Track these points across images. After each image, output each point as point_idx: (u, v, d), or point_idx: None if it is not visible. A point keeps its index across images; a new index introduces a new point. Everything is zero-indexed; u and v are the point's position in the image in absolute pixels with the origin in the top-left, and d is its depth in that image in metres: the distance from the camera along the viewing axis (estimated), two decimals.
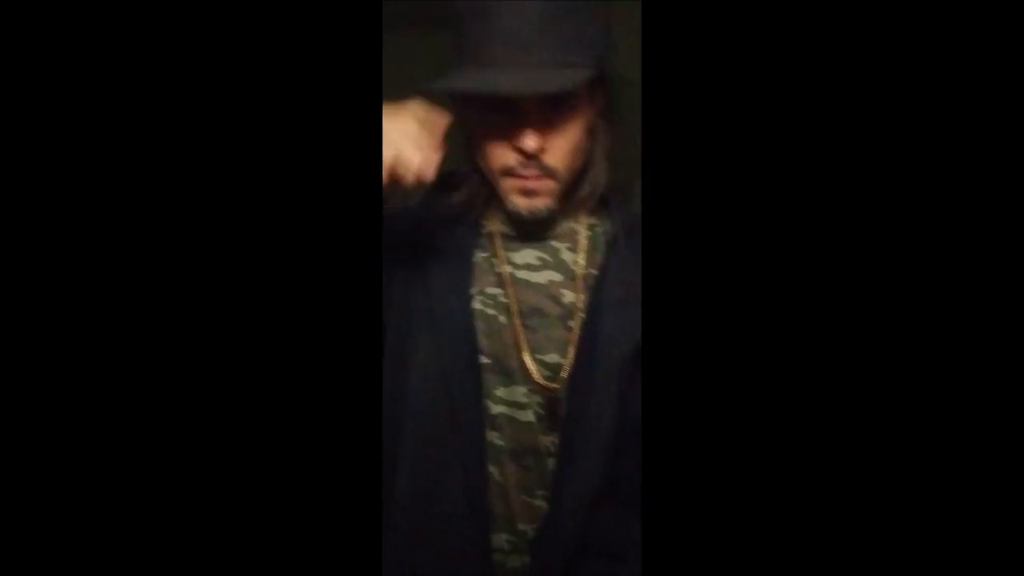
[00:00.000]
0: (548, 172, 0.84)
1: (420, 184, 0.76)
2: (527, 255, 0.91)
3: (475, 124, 0.86)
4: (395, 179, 0.73)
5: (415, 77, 0.85)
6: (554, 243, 0.92)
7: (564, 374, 0.88)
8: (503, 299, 0.89)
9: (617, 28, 1.17)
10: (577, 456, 0.87)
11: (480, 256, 0.91)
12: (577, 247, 0.91)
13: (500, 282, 0.90)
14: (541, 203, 0.85)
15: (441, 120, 0.78)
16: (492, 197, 0.91)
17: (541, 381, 0.87)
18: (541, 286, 0.90)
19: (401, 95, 0.89)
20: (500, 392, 0.89)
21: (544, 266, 0.91)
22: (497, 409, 0.89)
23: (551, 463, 0.88)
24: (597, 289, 0.89)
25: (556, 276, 0.90)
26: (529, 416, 0.89)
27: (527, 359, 0.88)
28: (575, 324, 0.88)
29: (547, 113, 0.82)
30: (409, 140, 0.73)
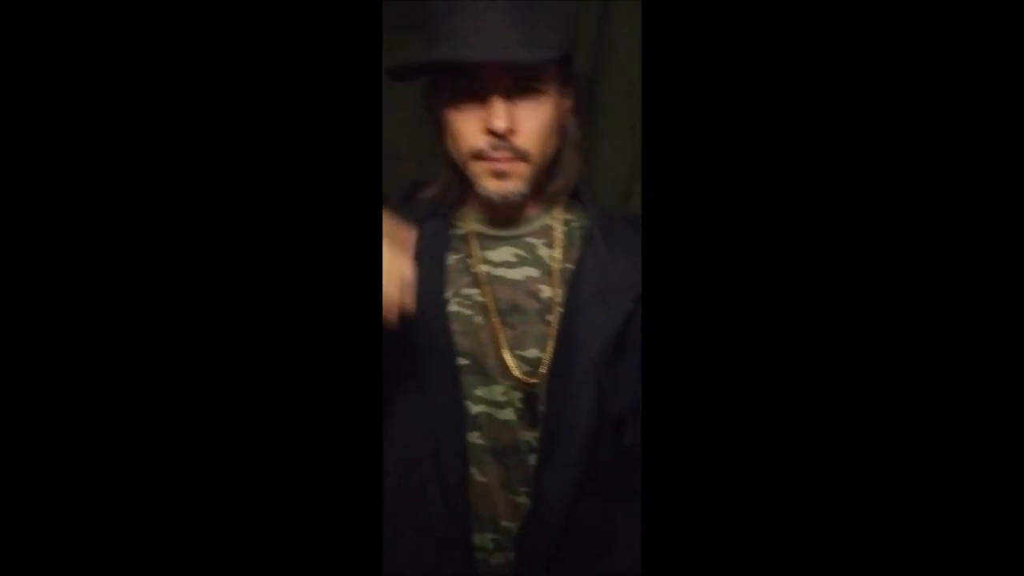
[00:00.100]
0: (519, 154, 0.84)
1: (406, 316, 0.77)
2: (504, 252, 0.91)
3: (445, 109, 0.86)
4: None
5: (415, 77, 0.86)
6: (530, 239, 0.92)
7: (543, 369, 0.88)
8: (480, 298, 0.89)
9: (617, 28, 1.18)
10: (557, 450, 0.87)
11: (454, 258, 0.91)
12: (553, 242, 0.92)
13: (476, 281, 0.90)
14: (512, 186, 0.85)
15: (408, 234, 0.80)
16: (465, 193, 0.92)
17: (521, 377, 0.88)
18: (518, 282, 0.90)
19: (401, 94, 0.89)
20: (480, 392, 0.89)
21: (521, 262, 0.91)
22: (477, 409, 0.89)
23: (532, 459, 0.89)
24: (574, 283, 0.90)
25: (533, 272, 0.91)
26: (509, 414, 0.89)
27: (506, 355, 0.88)
28: (553, 319, 0.89)
29: (515, 96, 0.83)
30: (386, 276, 0.74)
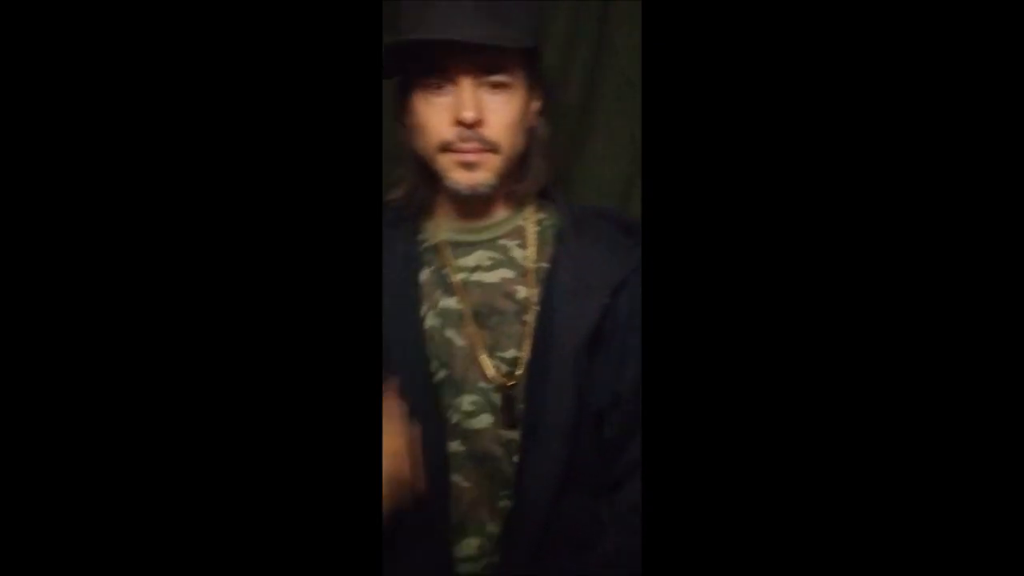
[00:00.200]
0: (488, 145, 0.85)
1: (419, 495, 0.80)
2: (478, 257, 0.92)
3: (414, 105, 0.87)
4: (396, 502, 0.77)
5: None
6: (503, 241, 0.92)
7: (520, 370, 0.89)
8: (457, 306, 0.90)
9: (617, 28, 1.17)
10: (538, 447, 0.88)
11: (428, 272, 0.91)
12: (526, 242, 0.92)
13: (452, 290, 0.91)
14: (482, 176, 0.86)
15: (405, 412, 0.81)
16: (431, 195, 0.92)
17: (498, 379, 0.88)
18: (495, 285, 0.91)
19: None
20: (458, 400, 0.89)
21: (496, 265, 0.91)
22: (457, 418, 0.89)
23: (514, 460, 0.88)
24: (548, 282, 0.90)
25: (509, 273, 0.91)
26: (488, 419, 0.89)
27: (484, 359, 0.89)
28: (530, 318, 0.89)
29: (484, 89, 0.84)
30: (390, 458, 0.76)
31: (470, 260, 0.91)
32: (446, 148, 0.85)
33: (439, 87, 0.84)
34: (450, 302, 0.90)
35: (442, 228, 0.92)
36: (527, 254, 0.92)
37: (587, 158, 1.20)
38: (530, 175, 0.91)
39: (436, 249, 0.91)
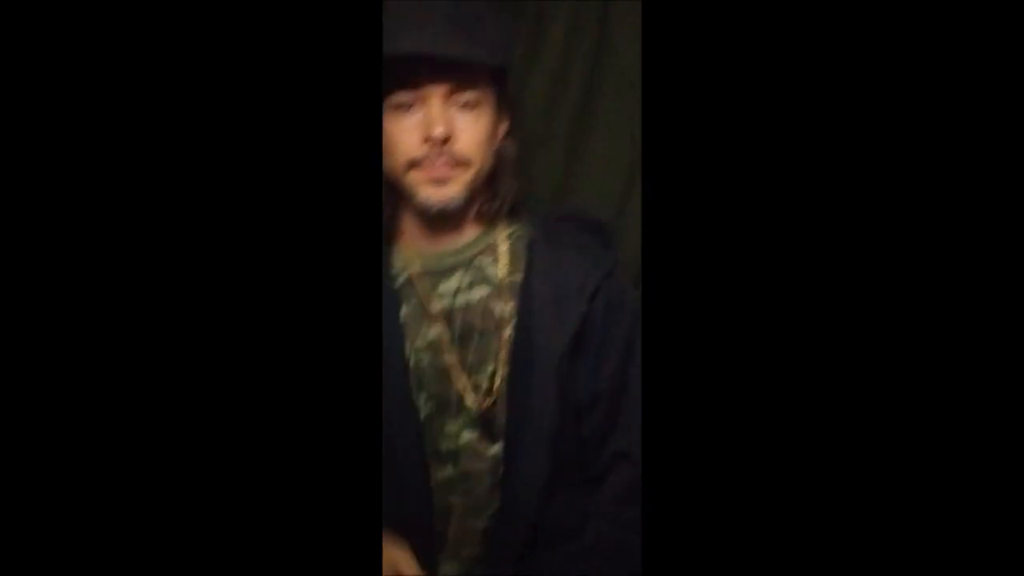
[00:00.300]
0: (458, 160, 0.85)
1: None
2: (457, 279, 0.92)
3: (383, 124, 0.86)
4: None
5: None
6: (478, 260, 0.92)
7: (497, 383, 0.90)
8: (441, 335, 0.90)
9: (617, 28, 1.17)
10: (522, 456, 0.89)
11: (406, 309, 0.91)
12: (499, 258, 0.93)
13: (435, 319, 0.91)
14: (451, 191, 0.86)
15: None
16: (399, 216, 0.92)
17: (477, 402, 0.89)
18: (474, 304, 0.91)
19: None
20: (447, 427, 0.91)
21: (473, 284, 0.92)
22: (447, 445, 0.91)
23: (491, 480, 0.90)
24: (524, 294, 0.91)
25: (486, 291, 0.92)
26: (470, 435, 0.91)
27: (462, 384, 0.90)
28: (507, 332, 0.90)
29: (452, 107, 0.84)
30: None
31: (450, 284, 0.91)
32: (415, 165, 0.85)
33: (408, 105, 0.84)
34: (434, 331, 0.90)
35: (414, 255, 0.92)
36: (500, 270, 0.92)
37: (587, 158, 1.20)
38: (499, 195, 0.91)
39: (411, 282, 0.91)
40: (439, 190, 0.85)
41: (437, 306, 0.90)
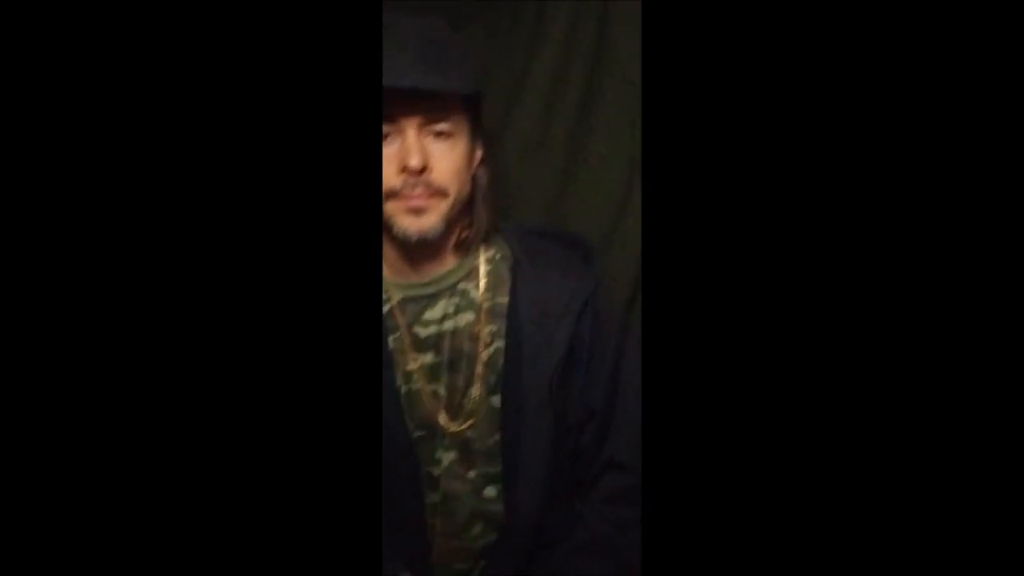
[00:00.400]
0: (435, 190, 0.86)
1: None
2: (441, 308, 0.92)
3: None
4: None
5: None
6: (462, 286, 0.93)
7: (475, 405, 0.91)
8: (427, 363, 0.91)
9: (617, 28, 1.17)
10: (521, 472, 0.91)
11: (392, 339, 0.92)
12: (479, 281, 0.93)
13: (423, 347, 0.92)
14: (430, 222, 0.86)
15: None
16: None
17: (455, 426, 0.91)
18: (460, 329, 0.92)
19: None
20: (436, 452, 0.92)
21: (459, 310, 0.92)
22: (438, 471, 0.92)
23: (487, 492, 0.92)
24: (511, 316, 0.92)
25: (471, 316, 0.92)
26: (452, 456, 0.92)
27: (441, 408, 0.91)
28: (490, 354, 0.91)
29: (427, 137, 0.85)
30: None
31: (436, 311, 0.92)
32: (391, 195, 0.85)
33: (384, 136, 0.84)
34: (414, 364, 0.91)
35: (391, 286, 0.92)
36: (484, 293, 0.93)
37: (587, 158, 1.20)
38: (475, 222, 0.92)
39: (391, 315, 0.92)
40: (417, 220, 0.86)
41: (424, 333, 0.91)
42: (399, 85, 0.80)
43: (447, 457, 0.92)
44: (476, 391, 0.91)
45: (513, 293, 0.92)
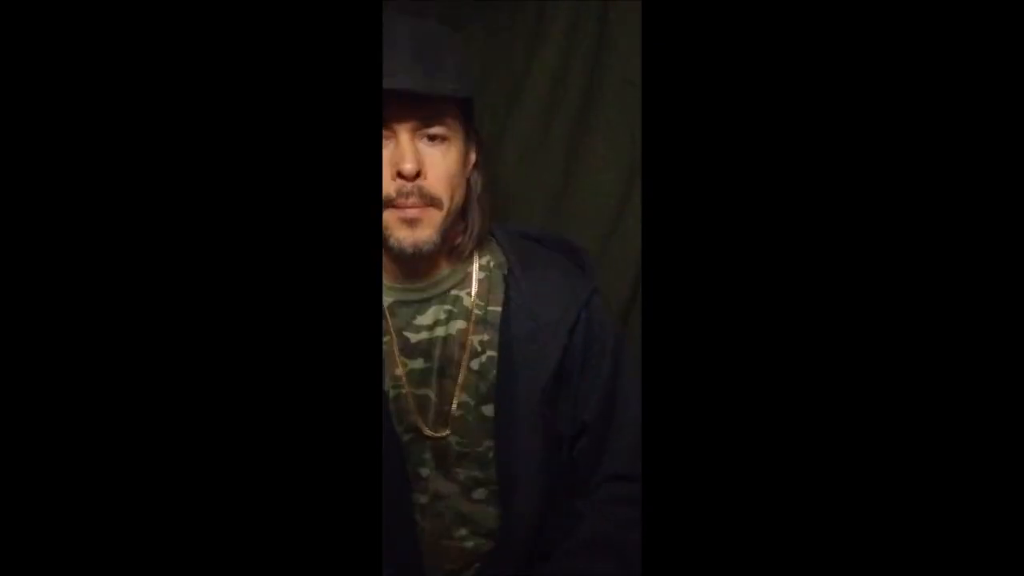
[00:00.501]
0: (429, 199, 0.84)
1: None
2: (434, 312, 0.92)
3: None
4: None
5: None
6: (454, 292, 0.92)
7: (456, 414, 0.91)
8: (416, 368, 0.91)
9: (617, 28, 1.17)
10: (515, 483, 0.91)
11: (384, 342, 0.91)
12: (471, 288, 0.93)
13: (412, 352, 0.91)
14: (425, 234, 0.85)
15: None
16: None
17: (431, 434, 0.91)
18: (452, 336, 0.91)
19: None
20: (424, 455, 0.92)
21: (451, 317, 0.92)
22: (427, 472, 0.93)
23: (476, 495, 0.93)
24: (503, 328, 0.91)
25: (463, 323, 0.92)
26: (432, 467, 0.93)
27: (421, 415, 0.91)
28: (481, 363, 0.91)
29: (421, 141, 0.84)
30: None
31: (427, 317, 0.91)
32: (387, 204, 0.84)
33: None
34: (401, 369, 0.91)
35: (384, 289, 0.91)
36: (477, 301, 0.92)
37: (587, 158, 1.20)
38: (468, 230, 0.91)
39: (383, 316, 0.91)
40: (412, 232, 0.84)
41: (414, 339, 0.91)
42: (393, 87, 0.79)
43: (435, 460, 0.92)
44: (463, 398, 0.91)
45: (506, 303, 0.92)
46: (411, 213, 0.84)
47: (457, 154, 0.86)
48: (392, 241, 0.85)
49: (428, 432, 0.91)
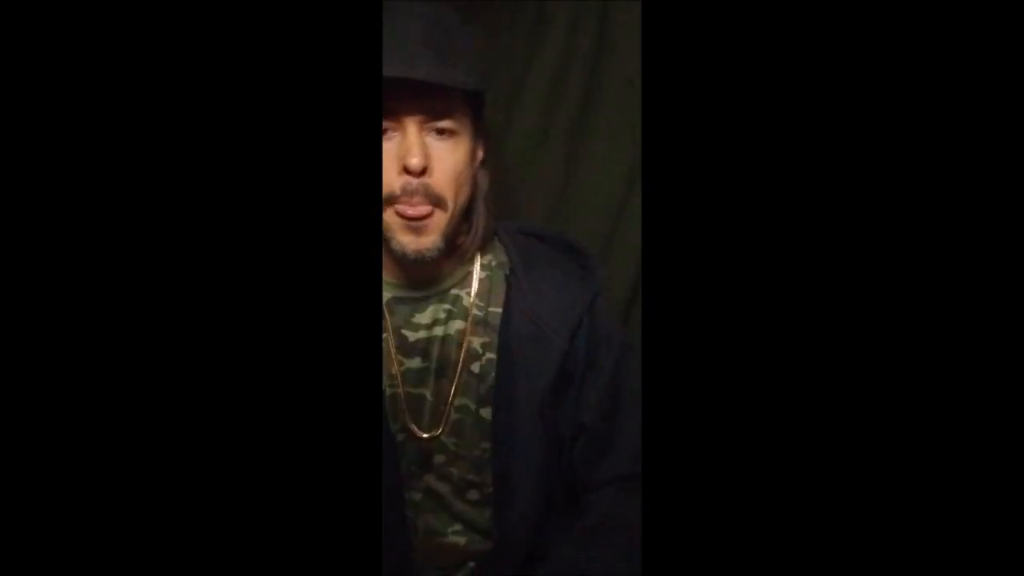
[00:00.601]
0: (433, 199, 0.81)
1: None
2: (432, 312, 0.90)
3: None
4: None
5: None
6: (455, 291, 0.91)
7: (449, 416, 0.90)
8: (411, 366, 0.90)
9: (617, 28, 1.17)
10: (514, 487, 0.90)
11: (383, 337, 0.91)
12: (472, 288, 0.91)
13: (410, 351, 0.90)
14: (429, 241, 0.82)
15: None
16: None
17: (419, 434, 0.90)
18: (451, 336, 0.90)
19: None
20: (421, 455, 0.92)
21: (450, 317, 0.90)
22: (421, 471, 0.92)
23: (470, 496, 0.92)
24: (503, 331, 0.89)
25: (462, 324, 0.90)
26: (440, 458, 0.92)
27: (418, 422, 0.90)
28: (479, 366, 0.90)
29: (429, 135, 0.81)
30: None
31: (425, 316, 0.89)
32: (391, 201, 0.81)
33: (384, 131, 0.80)
34: (397, 369, 0.89)
35: (384, 286, 0.90)
36: (477, 302, 0.90)
37: (587, 158, 1.20)
38: (472, 231, 0.89)
39: (383, 313, 0.90)
40: (416, 239, 0.82)
41: (412, 337, 0.89)
42: (405, 75, 0.76)
43: (428, 460, 0.91)
44: (462, 401, 0.90)
45: (507, 304, 0.90)
46: (416, 211, 0.81)
47: (465, 150, 0.83)
48: (394, 244, 0.83)
49: (421, 433, 0.90)
